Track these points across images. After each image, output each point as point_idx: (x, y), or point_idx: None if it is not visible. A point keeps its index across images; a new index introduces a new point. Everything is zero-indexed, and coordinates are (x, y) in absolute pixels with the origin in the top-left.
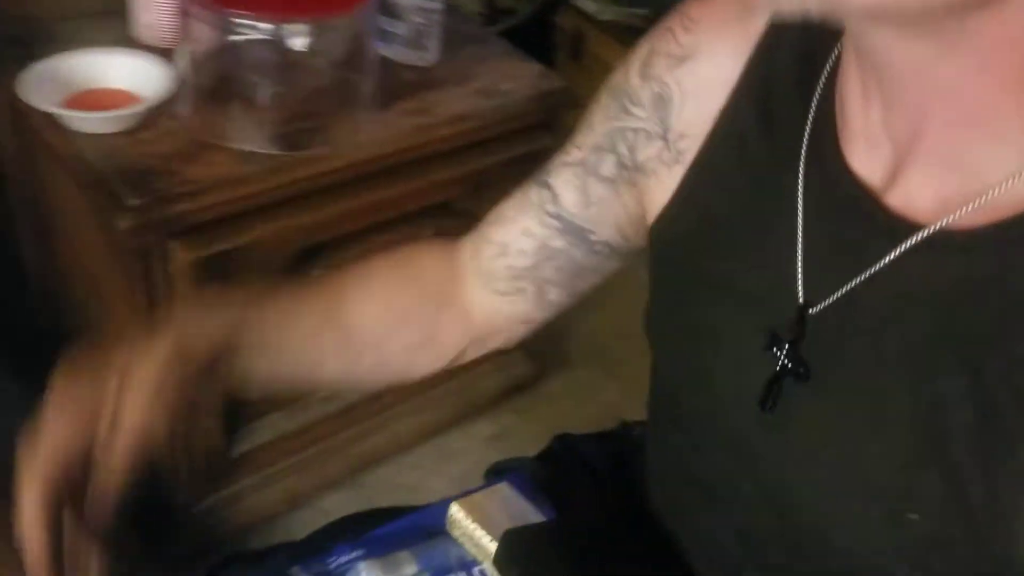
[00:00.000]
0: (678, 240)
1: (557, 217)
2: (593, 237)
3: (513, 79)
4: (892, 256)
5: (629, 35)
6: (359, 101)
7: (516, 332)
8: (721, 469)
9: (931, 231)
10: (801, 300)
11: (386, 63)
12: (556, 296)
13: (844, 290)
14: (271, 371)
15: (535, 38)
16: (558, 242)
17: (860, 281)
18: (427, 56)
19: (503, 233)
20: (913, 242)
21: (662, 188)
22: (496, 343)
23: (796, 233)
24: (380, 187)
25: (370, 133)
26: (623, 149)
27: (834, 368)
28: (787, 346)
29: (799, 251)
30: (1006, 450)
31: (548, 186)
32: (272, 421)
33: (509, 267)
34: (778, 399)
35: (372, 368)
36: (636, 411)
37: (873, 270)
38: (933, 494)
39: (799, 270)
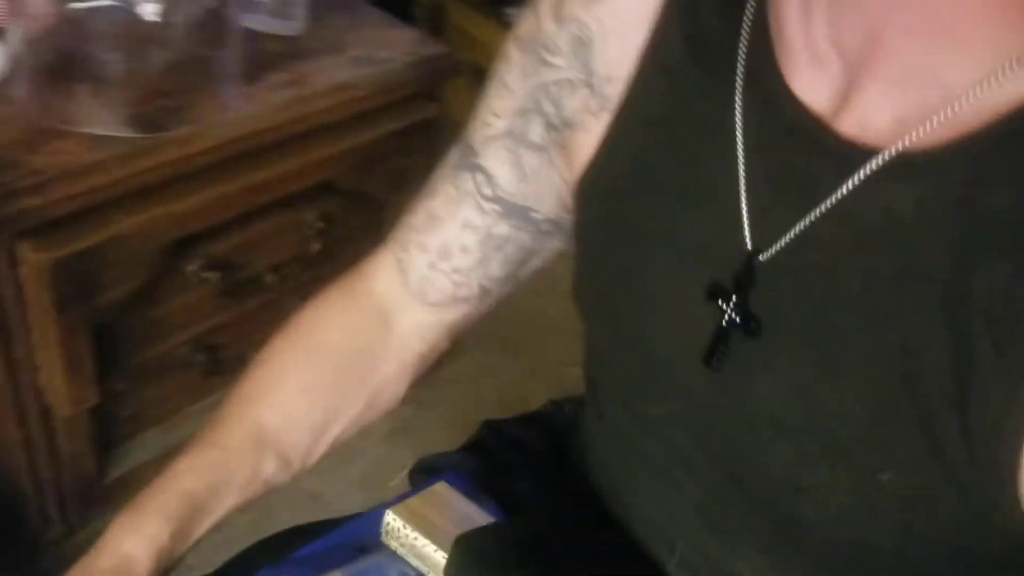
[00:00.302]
0: (606, 192)
1: (496, 200)
2: (537, 215)
3: (390, 46)
4: (847, 187)
5: (491, 5)
6: (224, 75)
7: (459, 334)
8: (671, 443)
9: (889, 155)
10: (749, 246)
11: (251, 35)
12: (499, 289)
13: (795, 230)
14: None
15: (394, 11)
16: (502, 228)
17: (813, 219)
18: (294, 25)
19: (440, 234)
20: (870, 169)
21: (590, 140)
22: (441, 349)
23: (737, 171)
24: (255, 168)
25: (239, 109)
26: (548, 107)
27: (788, 319)
28: (733, 298)
29: (742, 191)
30: (982, 392)
31: (479, 168)
32: (148, 439)
33: (453, 270)
34: (725, 356)
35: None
36: (540, 392)
37: (827, 205)
38: (907, 449)
39: (744, 213)
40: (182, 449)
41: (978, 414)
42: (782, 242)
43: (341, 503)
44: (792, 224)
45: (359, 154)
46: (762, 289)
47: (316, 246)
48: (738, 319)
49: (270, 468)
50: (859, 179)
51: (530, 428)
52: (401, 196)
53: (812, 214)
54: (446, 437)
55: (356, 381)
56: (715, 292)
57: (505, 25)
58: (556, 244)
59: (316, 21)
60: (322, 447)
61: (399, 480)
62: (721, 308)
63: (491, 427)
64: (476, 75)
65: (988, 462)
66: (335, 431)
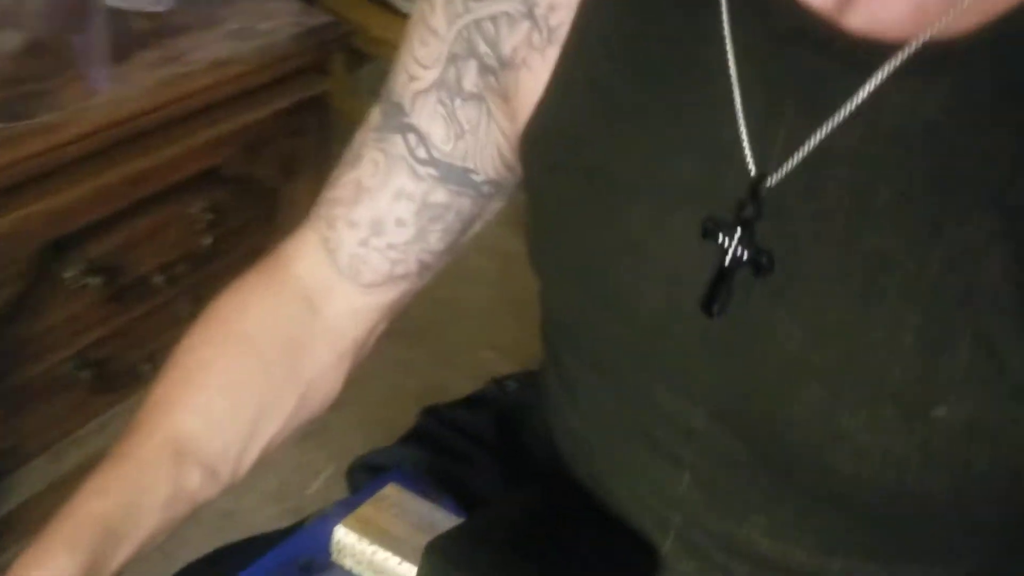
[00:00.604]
0: (563, 135)
1: (432, 163)
2: (477, 177)
3: (270, 17)
4: (866, 91)
5: None
6: (88, 57)
7: (397, 314)
8: (660, 409)
9: (912, 49)
10: (752, 171)
11: (115, 13)
12: (439, 262)
13: (808, 146)
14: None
15: None
16: (440, 195)
17: (828, 131)
18: (162, 1)
19: (370, 207)
20: (891, 69)
21: (535, 81)
22: (379, 332)
23: (730, 88)
24: (133, 157)
25: (109, 92)
26: (483, 47)
27: (808, 248)
28: (737, 232)
29: (738, 110)
30: None
31: (410, 128)
32: (34, 470)
33: (388, 246)
34: (728, 301)
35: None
36: (457, 379)
37: (843, 114)
38: (964, 375)
39: (742, 134)
40: (86, 472)
41: None
42: (793, 161)
43: (257, 519)
44: (802, 140)
45: (246, 136)
46: (772, 219)
47: (207, 240)
48: (745, 255)
49: (195, 482)
50: (879, 80)
51: (475, 411)
52: (294, 180)
53: (826, 126)
54: (365, 437)
55: (286, 375)
56: (713, 228)
57: (382, 5)
58: (497, 206)
59: None
60: (254, 452)
61: (317, 487)
62: (722, 246)
63: (432, 413)
64: (352, 56)
65: None
66: (268, 433)
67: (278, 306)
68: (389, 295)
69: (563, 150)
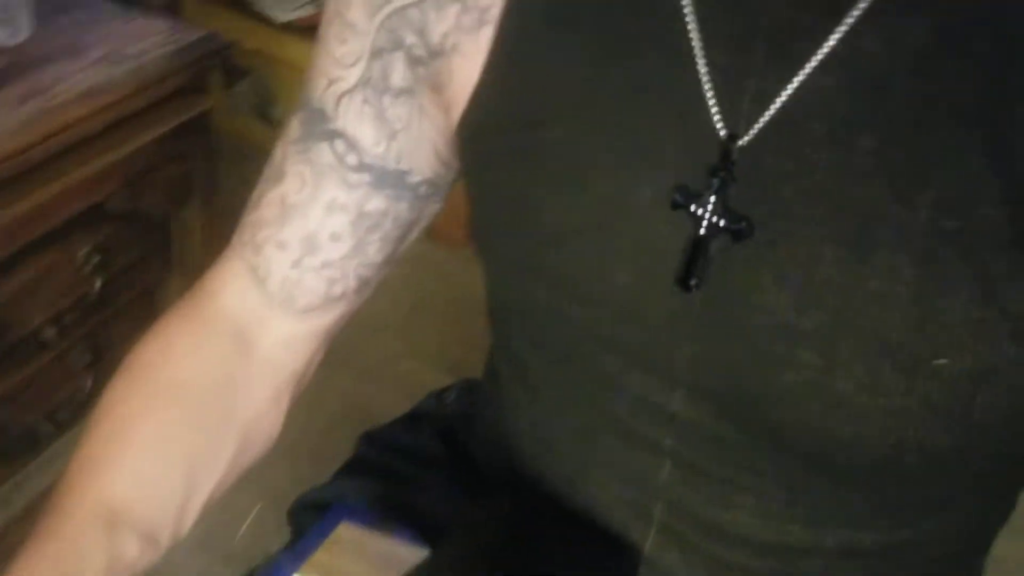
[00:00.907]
0: (507, 120)
1: (365, 169)
2: (414, 178)
3: (139, 39)
4: (837, 36)
5: None
6: None
7: (334, 338)
8: (639, 395)
9: None
10: (722, 132)
11: None
12: (378, 275)
13: (779, 101)
14: None
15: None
16: (376, 202)
17: (799, 83)
18: (16, 32)
19: (301, 224)
20: (863, 9)
21: (470, 67)
22: (319, 360)
23: (691, 46)
24: (5, 204)
25: None
26: (410, 37)
27: (789, 207)
28: (711, 200)
29: (701, 69)
30: None
31: (336, 134)
32: None
33: (324, 264)
34: (707, 272)
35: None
36: (377, 395)
37: (813, 64)
38: (962, 322)
39: (706, 93)
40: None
41: None
42: (765, 117)
43: (185, 572)
44: (773, 94)
45: (127, 168)
46: (747, 180)
47: (97, 284)
48: (722, 222)
49: (132, 551)
50: (852, 22)
51: (416, 430)
52: (184, 208)
53: (798, 77)
54: (291, 469)
55: (220, 420)
56: (684, 199)
57: (254, 16)
58: (435, 208)
59: (42, 26)
60: (194, 509)
61: (247, 530)
62: (695, 214)
63: (370, 439)
64: (227, 72)
65: None
66: (207, 486)
67: (206, 346)
68: (326, 319)
69: (508, 136)
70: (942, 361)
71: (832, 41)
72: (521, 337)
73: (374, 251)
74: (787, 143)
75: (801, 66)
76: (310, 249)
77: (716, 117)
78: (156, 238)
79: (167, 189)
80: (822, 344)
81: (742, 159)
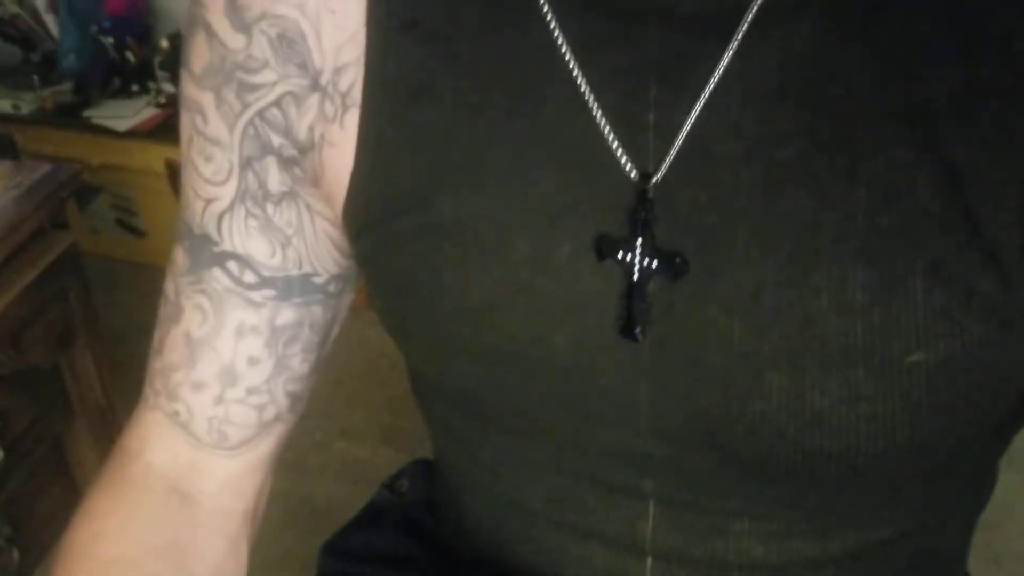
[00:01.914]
0: (393, 206)
1: (266, 284)
2: (320, 279)
3: None
4: (729, 53)
5: (67, 114)
6: None
7: (278, 462)
8: (609, 449)
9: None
10: (633, 175)
11: None
12: (308, 386)
13: (685, 130)
14: None
15: None
16: (288, 314)
17: (701, 107)
18: None
19: (212, 359)
20: (749, 21)
21: (341, 155)
22: (268, 489)
23: (579, 93)
24: None
25: None
26: (276, 139)
27: (720, 235)
28: (639, 240)
29: (595, 112)
30: (990, 205)
31: (227, 255)
32: None
33: (248, 392)
34: (648, 317)
35: None
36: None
37: (711, 85)
38: (925, 313)
39: (608, 137)
40: None
41: (994, 232)
42: (674, 149)
43: None
44: (678, 124)
45: (4, 326)
46: (670, 216)
47: None
48: (653, 263)
49: None
50: (740, 36)
51: (375, 529)
52: (72, 349)
53: (699, 101)
54: None
55: None
56: (610, 246)
57: (94, 130)
58: (348, 300)
59: None
60: None
61: None
62: (625, 261)
63: (331, 550)
64: (79, 194)
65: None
66: None
67: (141, 515)
68: (265, 446)
69: (401, 218)
70: (916, 357)
71: (725, 61)
72: (464, 415)
73: (298, 364)
74: (702, 171)
75: (699, 92)
76: (230, 381)
77: (623, 159)
78: (51, 389)
79: (50, 336)
80: (786, 365)
81: (660, 196)
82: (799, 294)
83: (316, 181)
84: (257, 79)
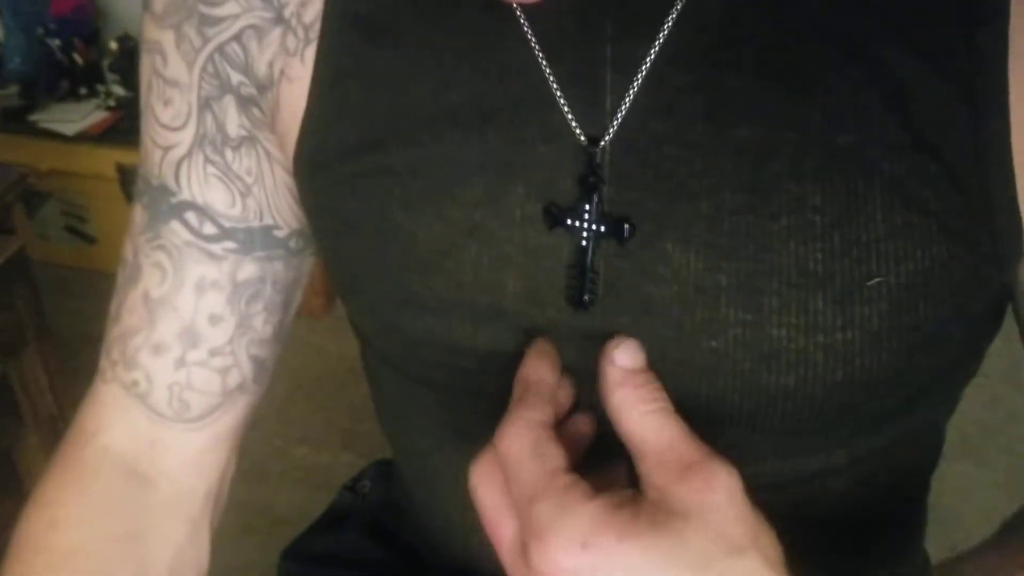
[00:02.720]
0: (346, 148)
1: (226, 235)
2: (280, 232)
3: None
4: (674, 14)
5: (10, 120)
6: None
7: (242, 440)
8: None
9: None
10: (583, 138)
11: None
12: (272, 352)
13: (631, 93)
14: None
15: None
16: (249, 269)
17: (649, 65)
18: None
19: (173, 318)
20: None
21: (298, 91)
22: (233, 469)
23: (534, 58)
24: None
25: None
26: (235, 76)
27: (671, 170)
28: (587, 207)
29: (548, 76)
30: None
31: (185, 206)
32: None
33: (211, 353)
34: (596, 285)
35: None
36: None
37: (658, 42)
38: (886, 232)
39: (559, 99)
40: None
41: (947, 150)
42: (619, 115)
43: None
44: (624, 88)
45: None
46: (622, 180)
47: None
48: (602, 229)
49: None
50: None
51: (338, 532)
52: (21, 356)
53: (645, 63)
54: None
55: None
56: (555, 217)
57: (41, 134)
58: (310, 263)
59: None
60: None
61: None
62: (574, 227)
63: (292, 554)
64: (27, 200)
65: (979, 191)
66: None
67: (99, 500)
68: (229, 419)
69: (353, 161)
70: (876, 280)
71: (667, 24)
72: (414, 390)
73: (260, 323)
74: (656, 107)
75: (656, 27)
76: (191, 342)
77: (573, 123)
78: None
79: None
80: (745, 297)
81: (612, 159)
82: (756, 219)
83: (273, 122)
84: (219, 12)
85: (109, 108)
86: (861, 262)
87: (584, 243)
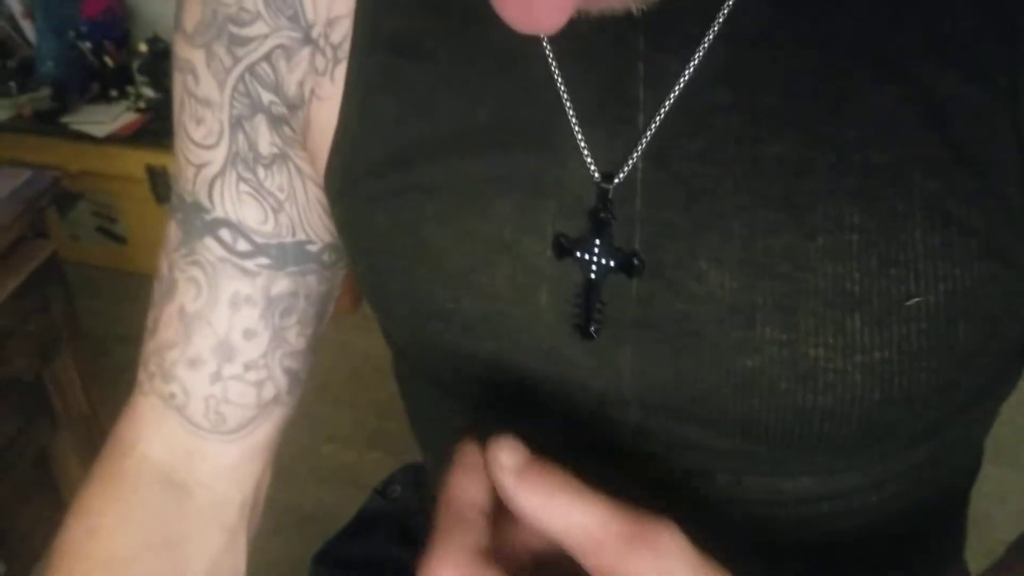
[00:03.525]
0: (376, 165)
1: (260, 251)
2: (314, 247)
3: None
4: (693, 66)
5: (46, 120)
6: None
7: (276, 452)
8: (586, 420)
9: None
10: (596, 176)
11: None
12: (305, 365)
13: (650, 132)
14: None
15: None
16: (282, 284)
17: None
18: None
19: (208, 333)
20: (715, 31)
21: (329, 109)
22: (268, 479)
23: (557, 92)
24: None
25: None
26: (266, 95)
27: (706, 187)
28: (596, 241)
29: (568, 109)
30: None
31: (219, 223)
32: None
33: (246, 367)
34: (602, 317)
35: None
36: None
37: (674, 93)
38: (924, 253)
39: (577, 136)
40: None
41: (988, 166)
42: (636, 153)
43: None
44: (657, 105)
45: None
46: (654, 198)
47: None
48: (611, 263)
49: None
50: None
51: (369, 537)
52: (56, 359)
53: (680, 80)
54: None
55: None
56: (569, 246)
57: (72, 136)
58: (342, 275)
59: None
60: None
61: None
62: (583, 260)
63: (323, 559)
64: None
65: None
66: None
67: (136, 510)
68: (264, 431)
69: (384, 177)
70: (915, 300)
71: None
72: (444, 400)
73: (294, 337)
74: (690, 124)
75: (695, 41)
76: (227, 356)
77: (589, 160)
78: (34, 399)
79: (32, 345)
80: (781, 316)
81: (622, 194)
82: (792, 239)
83: (304, 140)
84: (248, 32)
85: (139, 110)
86: (899, 282)
87: (593, 276)
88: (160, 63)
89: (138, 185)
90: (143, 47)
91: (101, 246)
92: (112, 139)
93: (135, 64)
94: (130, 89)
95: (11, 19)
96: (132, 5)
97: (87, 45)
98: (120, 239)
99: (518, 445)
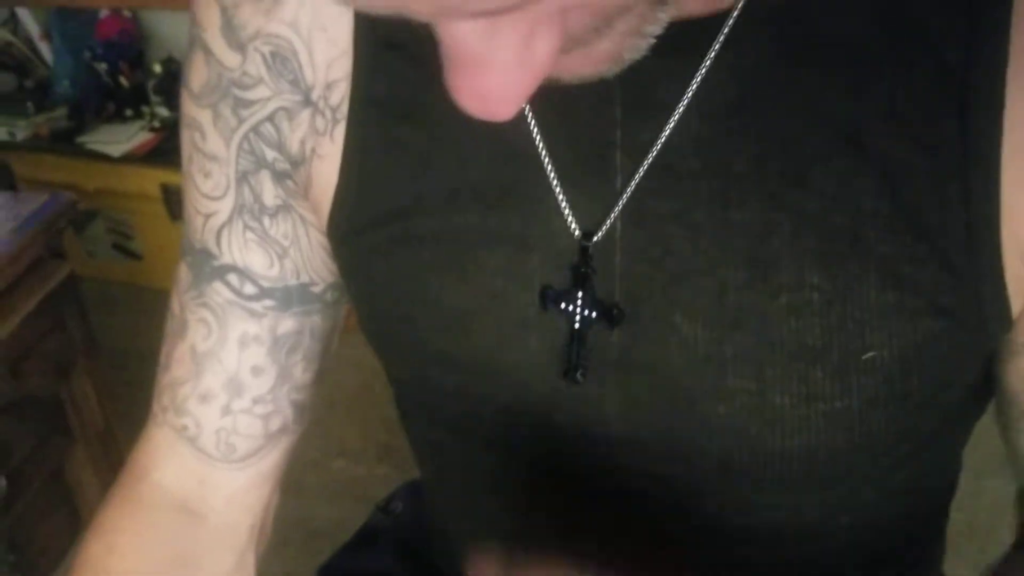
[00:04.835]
0: (377, 216)
1: (265, 294)
2: (317, 288)
3: None
4: (668, 128)
5: (62, 139)
6: None
7: (284, 477)
8: (573, 454)
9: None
10: (577, 233)
11: None
12: (310, 396)
13: (629, 191)
14: None
15: None
16: (288, 323)
17: (644, 170)
18: None
19: (218, 370)
20: (705, 70)
21: (330, 167)
22: (275, 504)
23: (537, 153)
24: None
25: None
26: (269, 153)
27: (679, 247)
28: (580, 293)
29: (547, 166)
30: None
31: (227, 269)
32: None
33: (254, 402)
34: (587, 363)
35: None
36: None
37: (654, 151)
38: (879, 312)
39: (557, 193)
40: None
41: (938, 229)
42: (614, 213)
43: None
44: (633, 170)
45: (3, 357)
46: (633, 257)
47: (2, 483)
48: (593, 314)
49: None
50: (698, 82)
51: (372, 552)
52: (72, 378)
53: (653, 148)
54: None
55: None
56: (554, 298)
57: (88, 155)
58: (345, 309)
59: None
60: None
61: None
62: (567, 311)
63: (327, 573)
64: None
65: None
66: None
67: (151, 531)
68: (271, 459)
69: (384, 227)
70: (871, 354)
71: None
72: (441, 431)
73: (300, 372)
74: (663, 188)
75: (667, 110)
76: (235, 391)
77: (570, 219)
78: (51, 416)
79: (49, 364)
80: (749, 367)
81: (602, 250)
82: (758, 296)
83: (306, 193)
84: (252, 95)
85: (153, 129)
86: (856, 337)
87: (577, 326)
88: (174, 83)
89: (153, 203)
90: (158, 68)
91: (117, 262)
92: (127, 158)
93: (150, 84)
94: (145, 109)
95: (28, 41)
96: (147, 26)
97: (103, 66)
98: (135, 256)
99: None
